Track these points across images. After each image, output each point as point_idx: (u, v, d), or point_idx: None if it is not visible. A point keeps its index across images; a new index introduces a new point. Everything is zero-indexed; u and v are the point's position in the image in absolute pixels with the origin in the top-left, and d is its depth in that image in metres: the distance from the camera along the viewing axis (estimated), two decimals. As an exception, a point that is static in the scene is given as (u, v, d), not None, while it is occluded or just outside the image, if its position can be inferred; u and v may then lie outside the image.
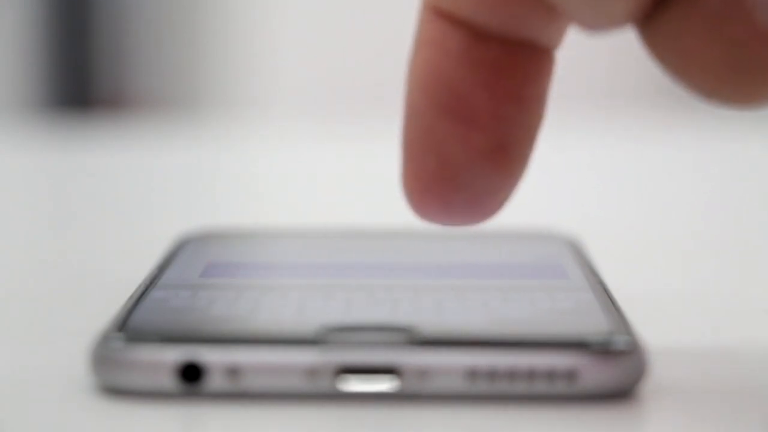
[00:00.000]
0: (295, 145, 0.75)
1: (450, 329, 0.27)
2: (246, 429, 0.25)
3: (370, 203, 0.53)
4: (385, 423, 0.25)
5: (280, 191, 0.60)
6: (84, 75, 1.67)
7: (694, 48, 0.23)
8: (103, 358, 0.26)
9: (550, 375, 0.25)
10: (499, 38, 0.25)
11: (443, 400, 0.25)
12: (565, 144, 0.72)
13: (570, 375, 0.25)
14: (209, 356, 0.25)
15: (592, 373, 0.25)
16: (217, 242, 0.36)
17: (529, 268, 0.33)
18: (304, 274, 0.32)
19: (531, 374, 0.25)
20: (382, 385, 0.25)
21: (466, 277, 0.31)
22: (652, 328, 0.28)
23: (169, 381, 0.25)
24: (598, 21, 0.23)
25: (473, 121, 0.25)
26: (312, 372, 0.25)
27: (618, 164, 0.68)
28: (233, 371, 0.25)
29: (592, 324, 0.27)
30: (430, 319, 0.27)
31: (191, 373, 0.25)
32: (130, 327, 0.27)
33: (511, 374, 0.25)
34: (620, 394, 0.26)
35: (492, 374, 0.25)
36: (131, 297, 0.29)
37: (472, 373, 0.25)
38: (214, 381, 0.25)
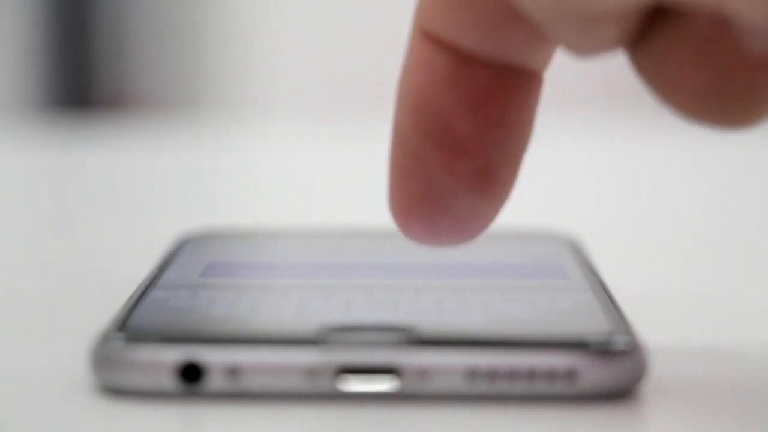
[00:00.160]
0: (295, 145, 0.75)
1: (450, 329, 0.27)
2: (246, 429, 0.25)
3: (370, 203, 0.53)
4: (385, 423, 0.25)
5: (280, 191, 0.60)
6: (84, 75, 1.67)
7: (681, 73, 0.23)
8: (103, 358, 0.26)
9: (550, 375, 0.25)
10: (486, 62, 0.25)
11: (443, 400, 0.25)
12: (565, 144, 0.72)
13: (570, 375, 0.25)
14: (209, 356, 0.25)
15: (592, 373, 0.25)
16: (217, 242, 0.36)
17: (529, 268, 0.33)
18: (304, 274, 0.32)
19: (531, 374, 0.25)
20: (382, 385, 0.25)
21: (466, 277, 0.31)
22: (652, 328, 0.28)
23: (169, 381, 0.25)
24: (586, 46, 0.23)
25: (459, 147, 0.26)
26: (312, 372, 0.25)
27: (618, 164, 0.68)
28: (233, 371, 0.25)
29: (592, 324, 0.27)
30: (430, 319, 0.27)
31: (191, 373, 0.25)
32: (130, 327, 0.27)
33: (511, 374, 0.25)
34: (620, 394, 0.26)
35: (492, 374, 0.25)
36: (131, 297, 0.29)
37: (472, 373, 0.25)
38: (214, 381, 0.25)
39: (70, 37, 1.65)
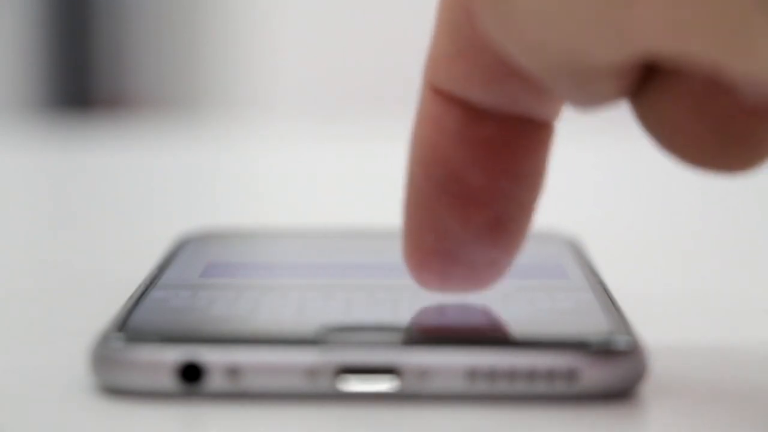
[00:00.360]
0: (295, 145, 0.75)
1: (450, 329, 0.27)
2: (246, 429, 0.25)
3: (370, 203, 0.53)
4: (385, 423, 0.25)
5: (280, 191, 0.60)
6: (84, 75, 1.67)
7: (681, 123, 0.23)
8: (103, 358, 0.26)
9: (550, 375, 0.25)
10: (495, 115, 0.25)
11: (443, 400, 0.25)
12: (565, 144, 0.71)
13: (570, 375, 0.25)
14: (209, 356, 0.25)
15: (592, 373, 0.25)
16: (217, 242, 0.36)
17: (529, 268, 0.33)
18: (304, 274, 0.32)
19: (531, 374, 0.25)
20: (382, 385, 0.25)
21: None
22: (652, 328, 0.28)
23: (169, 381, 0.25)
24: (586, 100, 0.24)
25: (471, 199, 0.26)
26: (312, 372, 0.25)
27: (618, 164, 0.68)
28: (233, 371, 0.25)
29: (592, 324, 0.27)
30: (430, 319, 0.27)
31: (191, 373, 0.25)
32: (130, 327, 0.27)
33: (511, 374, 0.25)
34: (620, 394, 0.26)
35: (492, 374, 0.25)
36: (131, 297, 0.29)
37: (472, 373, 0.25)
38: (214, 381, 0.25)
39: (70, 37, 1.65)
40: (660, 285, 0.38)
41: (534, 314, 0.28)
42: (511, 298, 0.29)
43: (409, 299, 0.29)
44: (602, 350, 0.25)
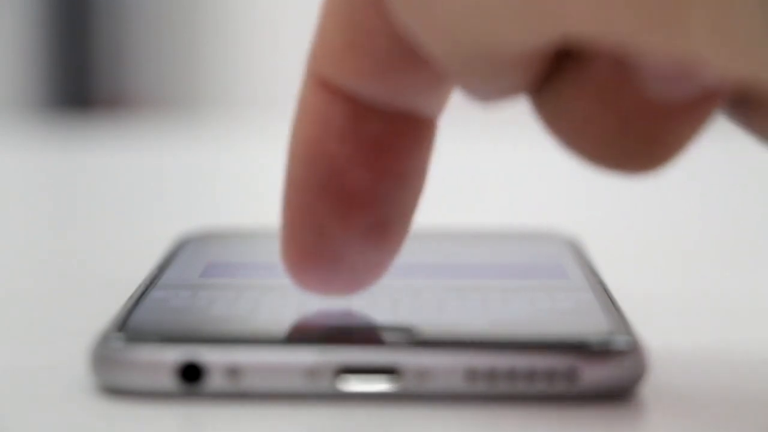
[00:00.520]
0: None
1: (450, 329, 0.27)
2: (246, 429, 0.25)
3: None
4: (385, 423, 0.25)
5: (281, 191, 0.60)
6: (84, 75, 1.67)
7: (585, 117, 0.22)
8: (103, 358, 0.26)
9: (550, 375, 0.25)
10: (381, 112, 0.25)
11: (443, 400, 0.25)
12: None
13: (570, 375, 0.25)
14: (209, 356, 0.25)
15: (592, 373, 0.25)
16: (217, 242, 0.36)
17: (529, 268, 0.33)
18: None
19: (531, 374, 0.25)
20: (382, 385, 0.25)
21: (466, 277, 0.31)
22: (652, 328, 0.28)
23: (169, 381, 0.25)
24: (488, 91, 0.23)
25: (352, 199, 0.25)
26: (312, 372, 0.25)
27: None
28: (233, 371, 0.25)
29: (592, 324, 0.27)
30: (430, 319, 0.27)
31: (191, 373, 0.25)
32: (130, 327, 0.27)
33: (511, 374, 0.25)
34: (620, 394, 0.26)
35: (492, 374, 0.25)
36: (131, 297, 0.29)
37: (472, 373, 0.25)
38: (214, 381, 0.25)
39: (70, 37, 1.65)
40: (660, 285, 0.38)
41: (534, 314, 0.28)
42: (511, 298, 0.29)
43: (409, 299, 0.29)
44: (602, 350, 0.25)
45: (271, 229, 0.39)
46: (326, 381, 0.25)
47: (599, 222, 0.49)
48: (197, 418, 0.25)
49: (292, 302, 0.28)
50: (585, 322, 0.27)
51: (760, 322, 0.33)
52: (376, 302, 0.29)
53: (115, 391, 0.26)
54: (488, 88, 0.23)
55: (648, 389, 0.26)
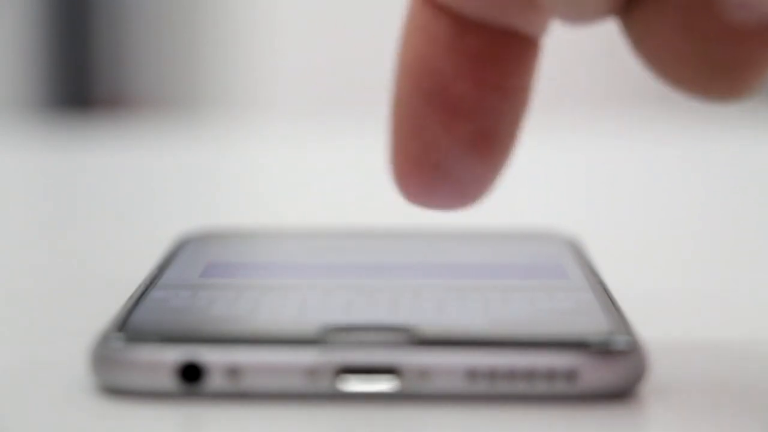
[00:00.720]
0: (295, 145, 0.75)
1: (450, 329, 0.27)
2: (246, 429, 0.25)
3: (370, 203, 0.53)
4: (385, 423, 0.25)
5: (280, 191, 0.60)
6: (84, 75, 1.67)
7: (668, 42, 0.23)
8: (103, 358, 0.26)
9: (550, 375, 0.25)
10: (483, 27, 0.25)
11: (443, 400, 0.25)
12: (565, 144, 0.72)
13: (570, 375, 0.25)
14: (209, 356, 0.25)
15: (592, 373, 0.25)
16: (217, 242, 0.36)
17: (529, 268, 0.33)
18: (305, 274, 0.32)
19: (531, 374, 0.25)
20: (382, 385, 0.25)
21: (466, 277, 0.31)
22: (652, 328, 0.28)
23: (169, 381, 0.25)
24: (574, 14, 0.24)
25: (457, 109, 0.26)
26: (312, 372, 0.25)
27: (618, 164, 0.68)
28: (233, 371, 0.25)
29: (592, 324, 0.27)
30: (430, 319, 0.27)
31: (191, 373, 0.25)
32: (130, 327, 0.27)
33: (511, 374, 0.25)
34: (620, 394, 0.26)
35: (492, 374, 0.25)
36: (131, 297, 0.29)
37: (472, 373, 0.25)
38: (214, 381, 0.25)
39: (70, 37, 1.65)
40: (660, 284, 0.38)
41: (534, 314, 0.28)
42: (511, 298, 0.29)
43: (409, 299, 0.29)
44: (602, 350, 0.25)
45: (271, 229, 0.39)
46: (326, 381, 0.25)
47: (599, 222, 0.49)
48: (197, 418, 0.25)
49: (292, 302, 0.29)
50: (585, 322, 0.27)
51: (760, 321, 0.33)
52: (376, 302, 0.29)
53: (115, 391, 0.26)
54: (575, 9, 0.24)
55: (648, 389, 0.26)
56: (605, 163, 0.68)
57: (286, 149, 0.74)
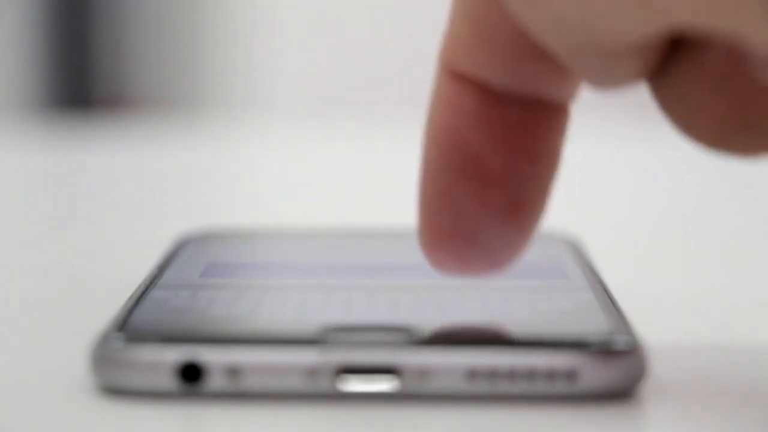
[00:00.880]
0: (295, 145, 0.75)
1: (450, 329, 0.27)
2: (246, 429, 0.25)
3: (370, 203, 0.53)
4: (385, 423, 0.25)
5: (280, 191, 0.60)
6: (84, 75, 1.67)
7: (701, 105, 0.23)
8: (103, 358, 0.26)
9: (550, 375, 0.25)
10: (513, 98, 0.26)
11: (443, 400, 0.25)
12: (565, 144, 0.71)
13: (570, 375, 0.25)
14: (209, 356, 0.25)
15: (592, 373, 0.25)
16: (217, 242, 0.36)
17: (528, 268, 0.33)
18: (305, 274, 0.32)
19: (531, 374, 0.25)
20: (382, 385, 0.25)
21: (466, 277, 0.31)
22: (652, 328, 0.28)
23: (169, 381, 0.25)
24: (608, 80, 0.24)
25: (488, 180, 0.26)
26: (312, 372, 0.25)
27: (618, 164, 0.68)
28: (233, 371, 0.25)
29: (592, 324, 0.27)
30: (430, 319, 0.27)
31: (191, 373, 0.25)
32: (130, 327, 0.27)
33: (511, 374, 0.25)
34: (620, 394, 0.26)
35: (492, 374, 0.25)
36: (131, 297, 0.29)
37: (472, 373, 0.25)
38: (214, 381, 0.25)
39: (70, 37, 1.65)
40: (660, 285, 0.38)
41: (534, 314, 0.28)
42: (511, 298, 0.29)
43: (409, 299, 0.29)
44: (602, 350, 0.25)
45: (272, 229, 0.39)
46: (326, 381, 0.25)
47: (599, 222, 0.49)
48: (197, 418, 0.25)
49: (292, 302, 0.29)
50: (585, 322, 0.27)
51: (760, 321, 0.33)
52: (376, 302, 0.29)
53: (115, 391, 0.26)
54: (606, 76, 0.24)
55: (648, 389, 0.26)
56: (605, 163, 0.68)
57: (286, 149, 0.74)
